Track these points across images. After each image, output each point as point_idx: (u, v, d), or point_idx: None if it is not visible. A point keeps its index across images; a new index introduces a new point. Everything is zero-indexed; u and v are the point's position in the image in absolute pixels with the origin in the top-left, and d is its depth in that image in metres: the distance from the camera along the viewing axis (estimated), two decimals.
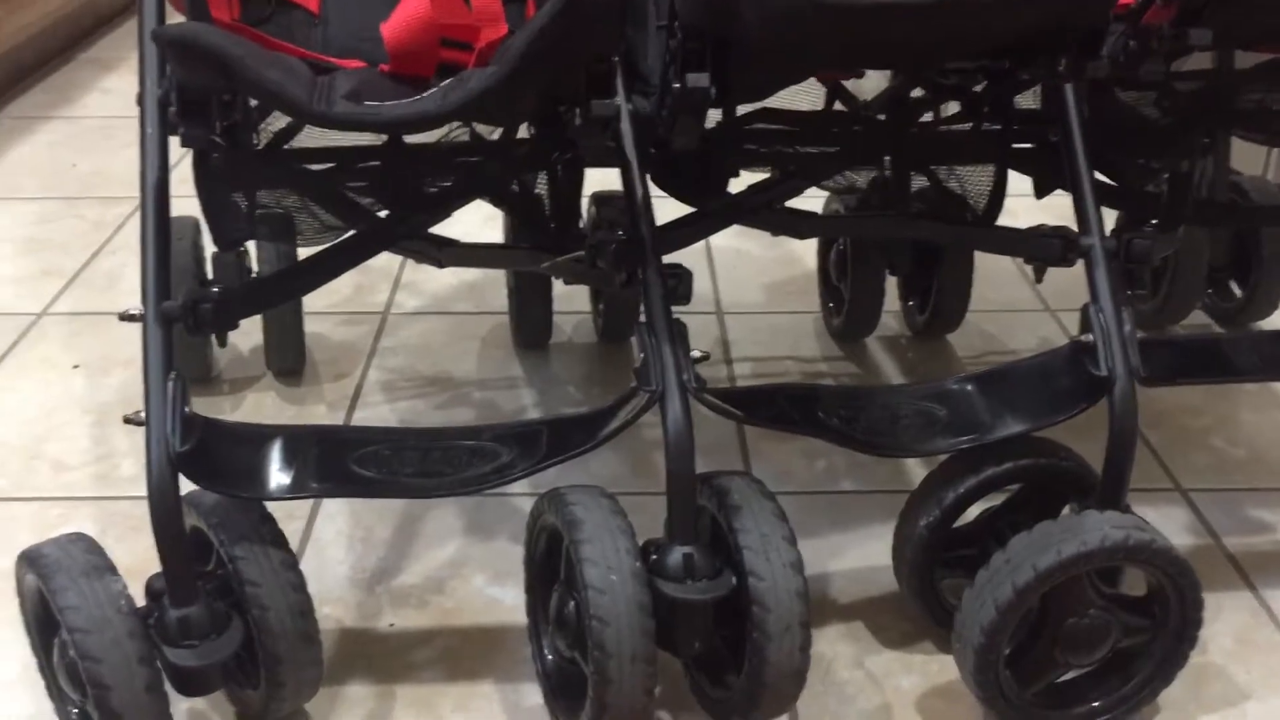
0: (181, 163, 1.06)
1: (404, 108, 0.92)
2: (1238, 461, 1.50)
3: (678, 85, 1.01)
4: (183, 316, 1.03)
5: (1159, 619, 1.07)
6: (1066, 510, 1.08)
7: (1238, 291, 1.76)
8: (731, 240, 1.99)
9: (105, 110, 2.69)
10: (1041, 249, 1.20)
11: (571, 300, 1.73)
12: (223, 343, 1.60)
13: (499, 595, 1.26)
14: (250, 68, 0.90)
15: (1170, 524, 1.37)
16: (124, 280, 1.91)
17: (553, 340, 1.73)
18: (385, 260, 1.67)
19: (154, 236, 1.02)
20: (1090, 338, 1.09)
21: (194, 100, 0.99)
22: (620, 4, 0.99)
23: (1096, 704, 1.09)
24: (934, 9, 0.97)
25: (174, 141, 1.04)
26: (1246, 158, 1.86)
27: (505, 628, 1.22)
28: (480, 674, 1.16)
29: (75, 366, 1.68)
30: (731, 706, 1.04)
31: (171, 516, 0.97)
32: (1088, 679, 1.09)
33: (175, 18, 1.06)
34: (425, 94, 0.94)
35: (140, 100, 1.05)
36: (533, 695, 1.11)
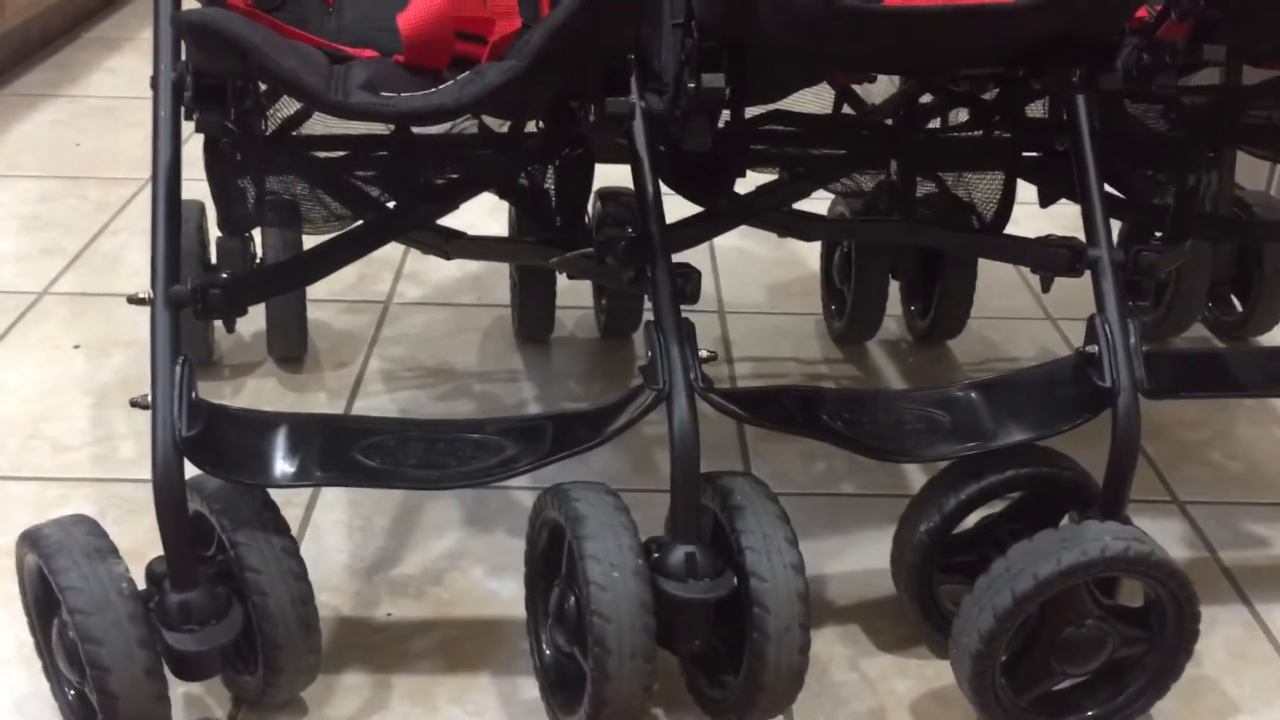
0: (188, 145, 1.05)
1: (420, 100, 0.93)
2: (1235, 476, 1.51)
3: (692, 85, 1.01)
4: (191, 301, 1.03)
5: (1155, 631, 1.07)
6: (1066, 520, 1.09)
7: (1239, 306, 1.77)
8: (735, 240, 1.99)
9: (110, 90, 2.68)
10: (1049, 259, 1.20)
11: (574, 295, 1.73)
12: (230, 329, 1.60)
13: (497, 588, 1.27)
14: (268, 55, 0.90)
15: (1166, 536, 1.38)
16: (125, 261, 1.91)
17: (554, 334, 1.73)
18: (388, 250, 1.67)
19: (164, 220, 1.02)
20: (1095, 349, 1.09)
21: (210, 85, 0.99)
22: (638, 1, 0.99)
23: (1091, 713, 1.09)
24: (950, 16, 0.98)
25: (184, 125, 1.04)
26: (1251, 173, 1.87)
27: (503, 620, 1.22)
28: (477, 666, 1.17)
29: (76, 347, 1.67)
30: (728, 706, 1.05)
31: (176, 501, 0.97)
32: (1083, 688, 1.10)
33: (190, 1, 1.06)
34: (442, 86, 0.94)
35: (154, 84, 1.04)
36: (529, 689, 1.12)
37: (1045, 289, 1.24)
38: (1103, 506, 1.07)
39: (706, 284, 1.90)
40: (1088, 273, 1.14)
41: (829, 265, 1.76)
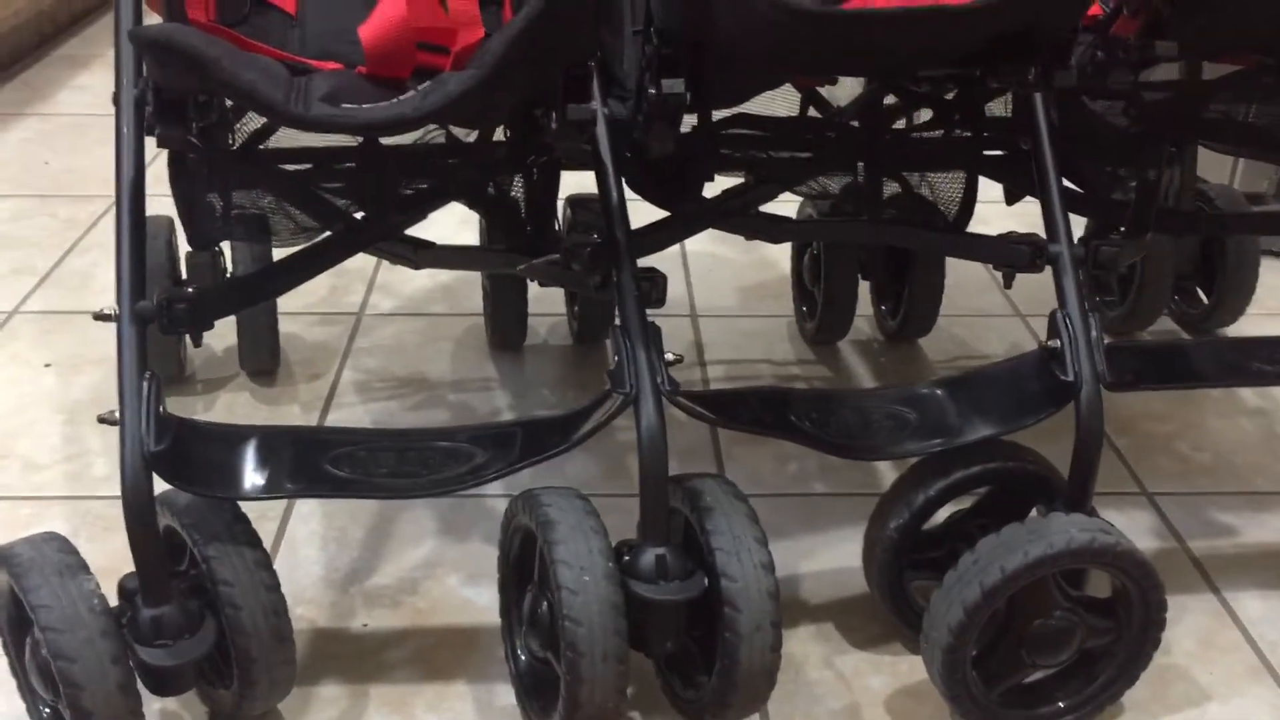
0: (156, 161, 1.06)
1: (381, 110, 0.93)
2: (1203, 466, 1.53)
3: (653, 90, 1.02)
4: (157, 316, 1.03)
5: (1123, 620, 1.08)
6: (1034, 513, 1.10)
7: (1204, 298, 1.78)
8: (706, 244, 2.00)
9: (79, 108, 2.67)
10: (1010, 255, 1.21)
11: (547, 302, 1.74)
12: (197, 343, 1.60)
13: (473, 596, 1.27)
14: (226, 69, 0.90)
15: (1136, 527, 1.39)
16: (96, 279, 1.90)
17: (527, 342, 1.74)
18: (360, 261, 1.67)
19: (129, 236, 1.02)
20: (1058, 343, 1.10)
21: (170, 101, 0.99)
22: (594, 8, 0.99)
23: (1062, 704, 1.11)
24: (906, 19, 0.99)
25: (149, 140, 1.04)
26: (1213, 167, 1.89)
27: (479, 628, 1.22)
28: (454, 674, 1.17)
29: (47, 365, 1.67)
30: (702, 706, 1.05)
31: (145, 516, 0.97)
32: (1053, 679, 1.11)
33: (152, 18, 1.06)
34: (403, 97, 0.95)
35: (116, 100, 1.05)
36: (506, 695, 1.12)
37: (1008, 285, 1.25)
38: (1068, 499, 1.08)
39: (678, 288, 1.91)
40: (1050, 268, 1.15)
41: (799, 267, 1.78)
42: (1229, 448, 1.56)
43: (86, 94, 2.75)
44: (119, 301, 1.01)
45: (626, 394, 1.03)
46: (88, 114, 2.62)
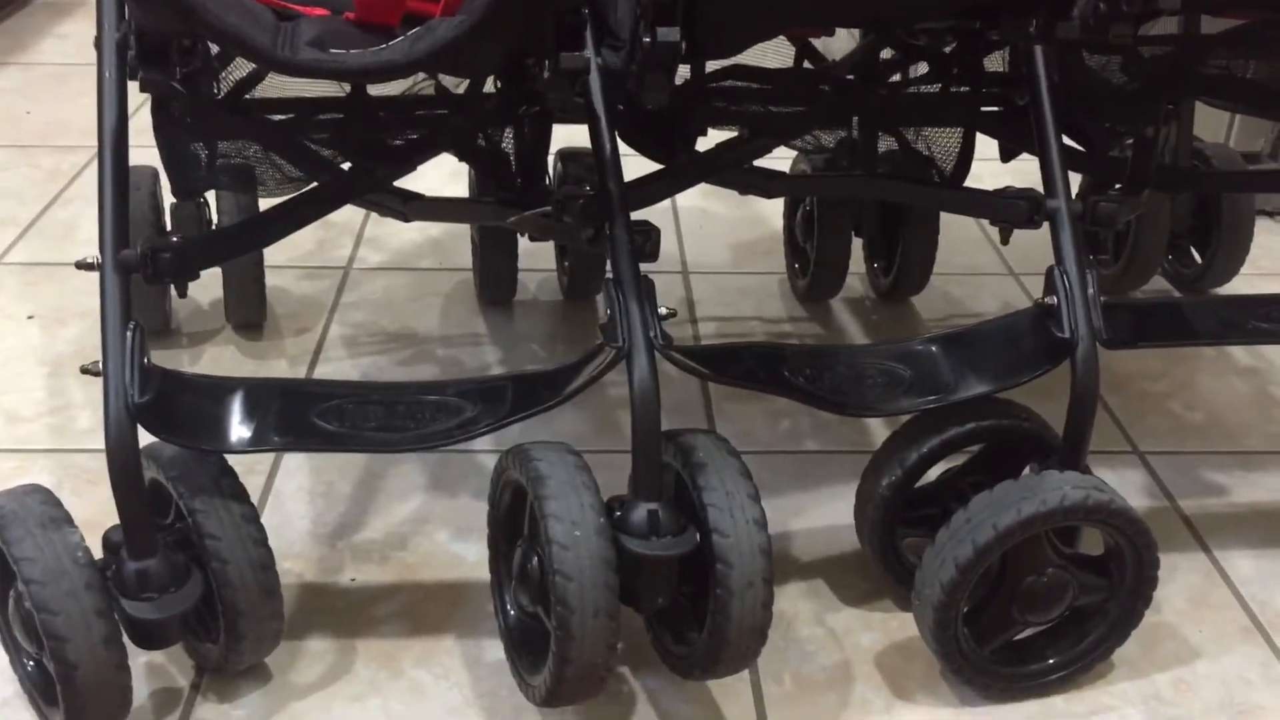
0: (140, 111, 1.03)
1: (370, 56, 0.91)
2: (1195, 425, 1.52)
3: (647, 39, 1.00)
4: (141, 265, 1.01)
5: (1115, 578, 1.08)
6: (1027, 471, 1.09)
7: (1198, 257, 1.78)
8: (698, 200, 1.98)
9: (60, 56, 2.63)
10: (1007, 211, 1.20)
11: (536, 257, 1.72)
12: (182, 293, 1.58)
13: (461, 551, 1.26)
14: (211, 11, 0.88)
15: (1127, 486, 1.39)
16: (80, 230, 1.88)
17: (517, 297, 1.72)
18: (348, 214, 1.65)
19: (112, 184, 1.00)
20: (1054, 300, 1.09)
21: (154, 45, 0.97)
22: None
23: (1052, 661, 1.11)
24: None
25: (132, 88, 1.02)
26: (1208, 125, 1.88)
27: (467, 583, 1.22)
28: (442, 629, 1.16)
29: (30, 317, 1.65)
30: (693, 662, 1.05)
31: (130, 468, 0.96)
32: (1044, 636, 1.11)
33: None
34: (391, 43, 0.92)
35: (98, 44, 1.02)
36: (494, 650, 1.11)
37: (1004, 241, 1.24)
38: (1063, 456, 1.08)
39: (670, 244, 1.90)
40: (1047, 226, 1.14)
41: (792, 224, 1.76)
42: (1221, 408, 1.56)
43: (69, 42, 2.71)
44: (102, 250, 0.99)
45: (619, 348, 1.01)
46: (70, 63, 2.58)
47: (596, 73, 1.10)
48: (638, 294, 1.03)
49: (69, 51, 2.65)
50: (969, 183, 1.42)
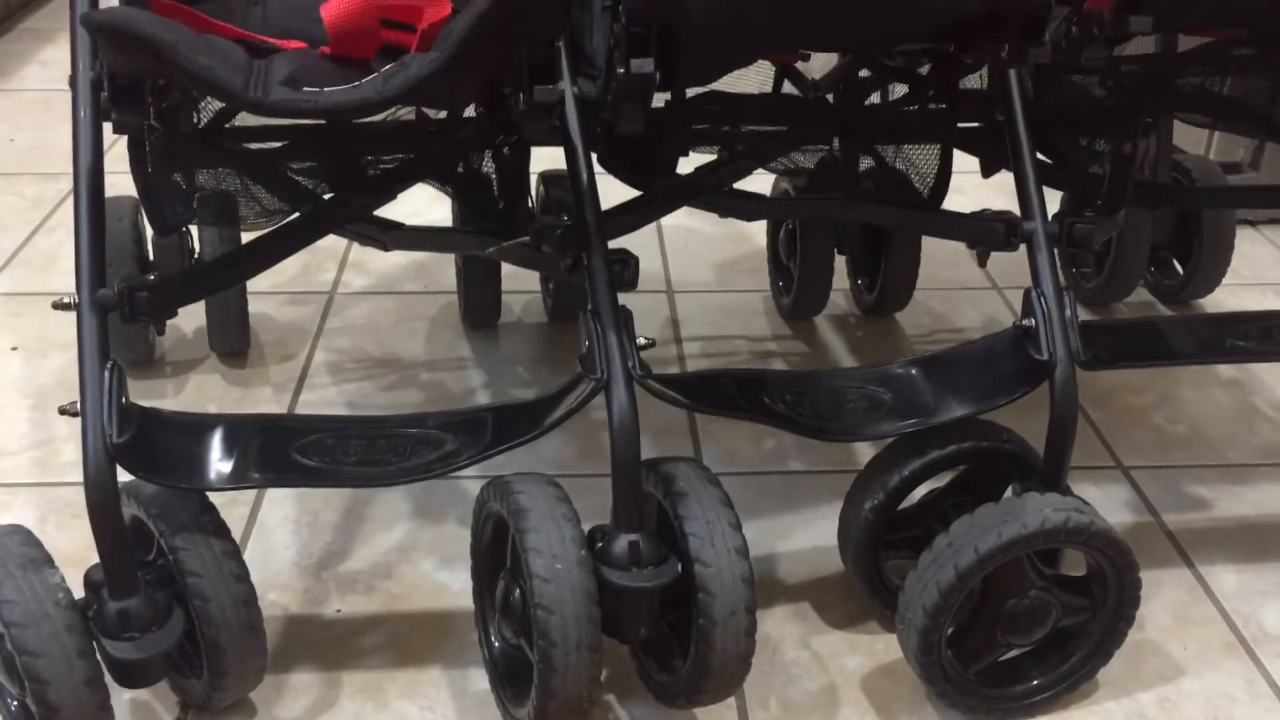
0: (120, 140, 1.03)
1: (342, 94, 0.91)
2: (1178, 439, 1.53)
3: (622, 70, 1.00)
4: (118, 304, 1.01)
5: (1098, 599, 1.09)
6: (1009, 492, 1.10)
7: (1180, 270, 1.78)
8: (682, 219, 1.98)
9: (44, 83, 2.63)
10: (984, 233, 1.20)
11: (521, 280, 1.72)
12: (160, 330, 1.58)
13: (447, 580, 1.26)
14: (181, 53, 0.88)
15: (1111, 501, 1.39)
16: (62, 259, 1.87)
17: (502, 320, 1.72)
18: (332, 239, 1.64)
19: (88, 223, 1.00)
20: (1031, 322, 1.10)
21: (127, 85, 0.97)
22: None
23: (1037, 682, 1.11)
24: None
25: (109, 123, 1.02)
26: (1188, 136, 1.88)
27: (453, 613, 1.22)
28: (428, 659, 1.16)
29: (13, 349, 1.65)
30: (678, 690, 1.05)
31: (109, 509, 0.96)
32: (1028, 658, 1.11)
33: (109, 1, 1.03)
34: (364, 80, 0.92)
35: (72, 83, 1.02)
36: (480, 680, 1.11)
37: (981, 264, 1.24)
38: (1043, 478, 1.08)
39: (654, 263, 1.90)
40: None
41: (775, 242, 1.76)
42: (1203, 420, 1.56)
43: (53, 68, 2.71)
44: (79, 290, 0.99)
45: (598, 379, 1.01)
46: (53, 90, 2.58)
47: (572, 103, 1.10)
48: (616, 324, 1.03)
49: (53, 77, 2.65)
50: (950, 196, 1.42)
